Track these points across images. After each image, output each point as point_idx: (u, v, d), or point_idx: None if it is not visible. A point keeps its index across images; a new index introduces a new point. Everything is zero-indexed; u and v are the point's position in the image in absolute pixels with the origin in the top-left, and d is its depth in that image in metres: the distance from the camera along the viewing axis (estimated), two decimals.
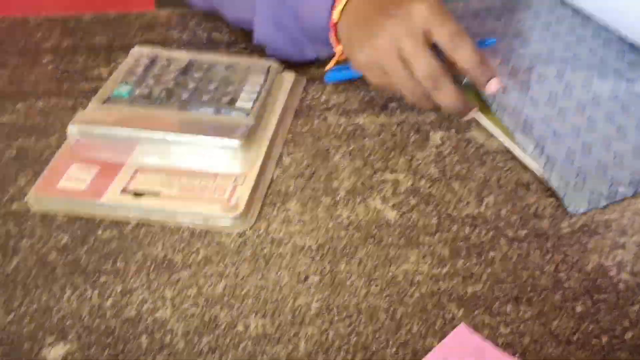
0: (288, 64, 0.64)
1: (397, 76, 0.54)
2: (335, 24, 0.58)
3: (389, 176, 0.53)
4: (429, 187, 0.52)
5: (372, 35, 0.54)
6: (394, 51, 0.53)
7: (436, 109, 0.56)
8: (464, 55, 0.53)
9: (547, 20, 0.68)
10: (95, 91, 0.57)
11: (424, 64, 0.53)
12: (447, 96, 0.54)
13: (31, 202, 0.51)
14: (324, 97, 0.62)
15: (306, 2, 0.60)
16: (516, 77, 0.60)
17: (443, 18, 0.53)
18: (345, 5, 0.57)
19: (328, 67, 0.59)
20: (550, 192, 0.51)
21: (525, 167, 0.54)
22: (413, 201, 0.51)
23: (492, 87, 0.54)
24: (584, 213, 0.50)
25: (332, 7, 0.58)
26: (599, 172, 0.52)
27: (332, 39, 0.59)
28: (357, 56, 0.56)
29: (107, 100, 0.56)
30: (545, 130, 0.55)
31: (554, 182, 0.51)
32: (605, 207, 0.50)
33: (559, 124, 0.55)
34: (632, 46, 0.64)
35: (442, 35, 0.53)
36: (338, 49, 0.59)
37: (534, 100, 0.57)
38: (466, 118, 0.57)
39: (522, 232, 0.49)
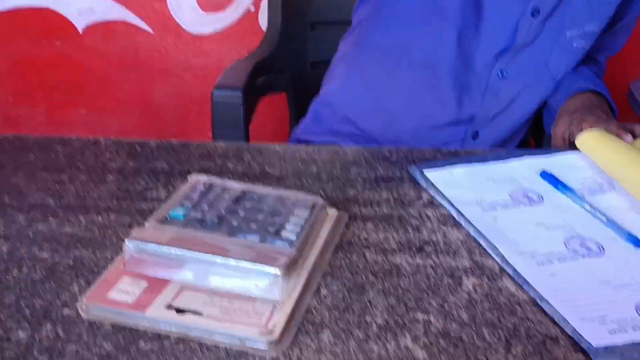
0: (332, 201, 0.68)
1: None
2: None
3: (421, 316, 0.55)
4: (460, 331, 0.54)
5: None
6: None
7: None
8: None
9: None
10: (151, 211, 0.62)
11: None
12: None
13: (82, 309, 0.54)
14: (364, 235, 0.66)
15: None
16: None
17: None
18: None
19: None
20: (579, 347, 0.52)
21: (554, 321, 0.55)
22: (443, 343, 0.52)
23: None
24: None
25: None
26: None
27: None
28: None
29: (164, 221, 0.60)
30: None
31: (585, 343, 0.52)
32: None
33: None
34: None
35: None
36: None
37: None
38: None
39: None
